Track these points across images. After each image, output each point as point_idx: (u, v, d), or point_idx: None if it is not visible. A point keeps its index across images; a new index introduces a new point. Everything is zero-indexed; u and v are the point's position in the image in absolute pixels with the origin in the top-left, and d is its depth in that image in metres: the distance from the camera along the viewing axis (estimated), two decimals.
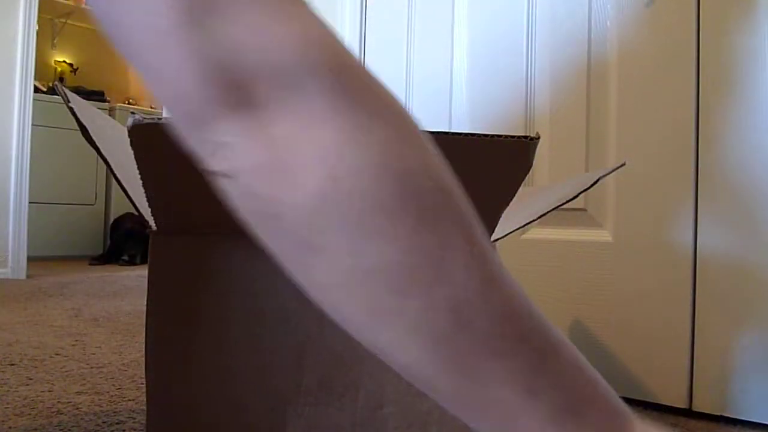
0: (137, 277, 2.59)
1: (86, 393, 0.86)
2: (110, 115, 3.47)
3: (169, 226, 0.47)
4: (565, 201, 0.58)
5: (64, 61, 3.72)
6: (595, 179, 0.59)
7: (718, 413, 0.82)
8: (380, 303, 0.25)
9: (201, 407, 0.47)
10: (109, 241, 3.48)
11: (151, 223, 0.48)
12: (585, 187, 0.59)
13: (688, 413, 0.85)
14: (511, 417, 0.27)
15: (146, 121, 0.38)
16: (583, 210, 0.96)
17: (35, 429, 0.71)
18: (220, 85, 0.23)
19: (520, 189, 0.49)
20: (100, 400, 0.83)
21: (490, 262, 0.27)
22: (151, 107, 3.82)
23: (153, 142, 0.40)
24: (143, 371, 0.47)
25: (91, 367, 1.01)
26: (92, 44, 3.84)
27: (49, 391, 0.86)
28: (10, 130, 2.38)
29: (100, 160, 0.44)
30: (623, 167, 0.75)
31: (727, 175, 0.83)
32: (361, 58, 1.33)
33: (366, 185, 0.24)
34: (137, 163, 0.41)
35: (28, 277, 2.41)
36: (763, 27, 0.81)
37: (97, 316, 1.53)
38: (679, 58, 0.87)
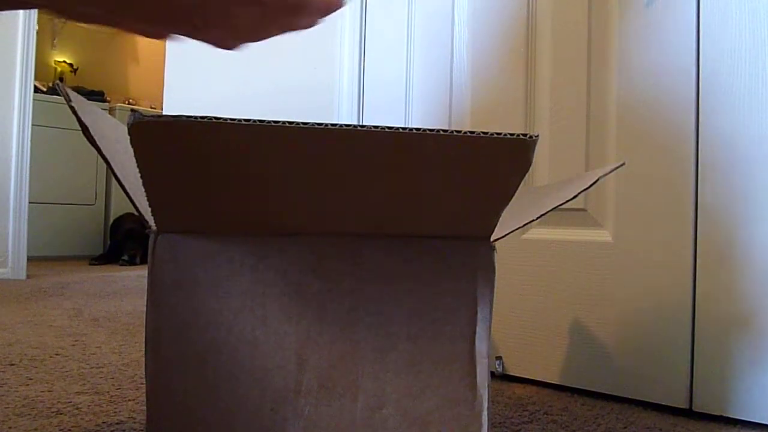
0: (137, 277, 2.59)
1: (86, 393, 0.86)
2: (110, 115, 3.46)
3: (169, 226, 0.47)
4: (565, 201, 0.58)
5: (64, 61, 3.72)
6: (595, 179, 0.59)
7: (718, 413, 0.82)
8: None
9: (201, 407, 0.47)
10: (109, 241, 3.48)
11: (151, 223, 0.48)
12: (585, 187, 0.59)
13: (688, 413, 0.85)
14: None
15: (147, 118, 0.38)
16: (583, 210, 0.97)
17: (35, 429, 0.71)
18: None
19: (520, 188, 0.49)
20: (100, 400, 0.83)
21: None
22: (151, 107, 3.83)
23: (153, 140, 0.40)
24: (143, 371, 0.47)
25: (91, 367, 1.01)
26: (92, 44, 3.84)
27: (49, 391, 0.86)
28: (10, 130, 2.38)
29: (100, 160, 0.44)
30: (623, 167, 0.75)
31: (727, 174, 0.83)
32: (361, 58, 1.33)
33: None
34: (137, 161, 0.41)
35: (28, 277, 2.42)
36: (763, 26, 0.81)
37: (97, 316, 1.53)
38: (679, 58, 0.87)
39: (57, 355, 1.08)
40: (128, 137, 0.39)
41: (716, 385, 0.83)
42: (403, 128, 0.41)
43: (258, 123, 0.39)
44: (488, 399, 0.51)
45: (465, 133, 0.42)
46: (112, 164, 0.45)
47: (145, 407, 0.47)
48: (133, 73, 4.02)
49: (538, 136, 0.44)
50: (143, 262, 3.19)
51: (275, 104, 1.40)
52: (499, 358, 1.04)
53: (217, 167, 0.44)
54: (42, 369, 0.98)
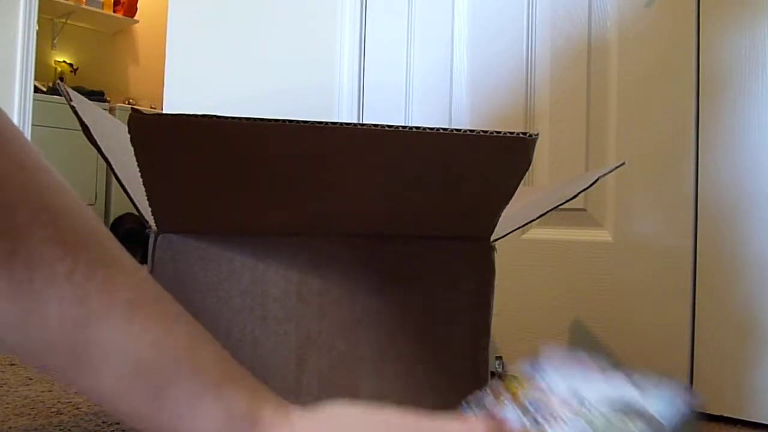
0: None
1: None
2: (110, 114, 3.46)
3: (170, 226, 0.47)
4: (565, 201, 0.58)
5: (64, 61, 3.72)
6: (594, 179, 0.59)
7: (718, 413, 0.82)
8: None
9: None
10: None
11: (151, 223, 0.48)
12: (585, 187, 0.59)
13: None
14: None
15: (146, 114, 0.38)
16: (583, 210, 0.96)
17: (35, 429, 0.71)
18: None
19: (520, 188, 0.49)
20: None
21: None
22: (152, 107, 3.82)
23: (153, 137, 0.40)
24: None
25: None
26: (92, 44, 3.84)
27: (49, 391, 0.86)
28: None
29: (101, 160, 0.44)
30: (623, 167, 0.75)
31: (727, 174, 0.83)
32: (361, 59, 1.33)
33: None
34: (137, 158, 0.41)
35: None
36: (763, 26, 0.81)
37: None
38: (679, 58, 0.87)
39: None
40: (128, 137, 0.39)
41: (716, 385, 0.83)
42: (403, 127, 0.41)
43: (258, 121, 0.39)
44: None
45: (465, 131, 0.42)
46: (112, 164, 0.45)
47: None
48: (133, 73, 4.02)
49: (537, 134, 0.44)
50: (143, 262, 3.19)
51: (275, 105, 1.40)
52: (499, 358, 1.04)
53: (217, 166, 0.44)
54: None
